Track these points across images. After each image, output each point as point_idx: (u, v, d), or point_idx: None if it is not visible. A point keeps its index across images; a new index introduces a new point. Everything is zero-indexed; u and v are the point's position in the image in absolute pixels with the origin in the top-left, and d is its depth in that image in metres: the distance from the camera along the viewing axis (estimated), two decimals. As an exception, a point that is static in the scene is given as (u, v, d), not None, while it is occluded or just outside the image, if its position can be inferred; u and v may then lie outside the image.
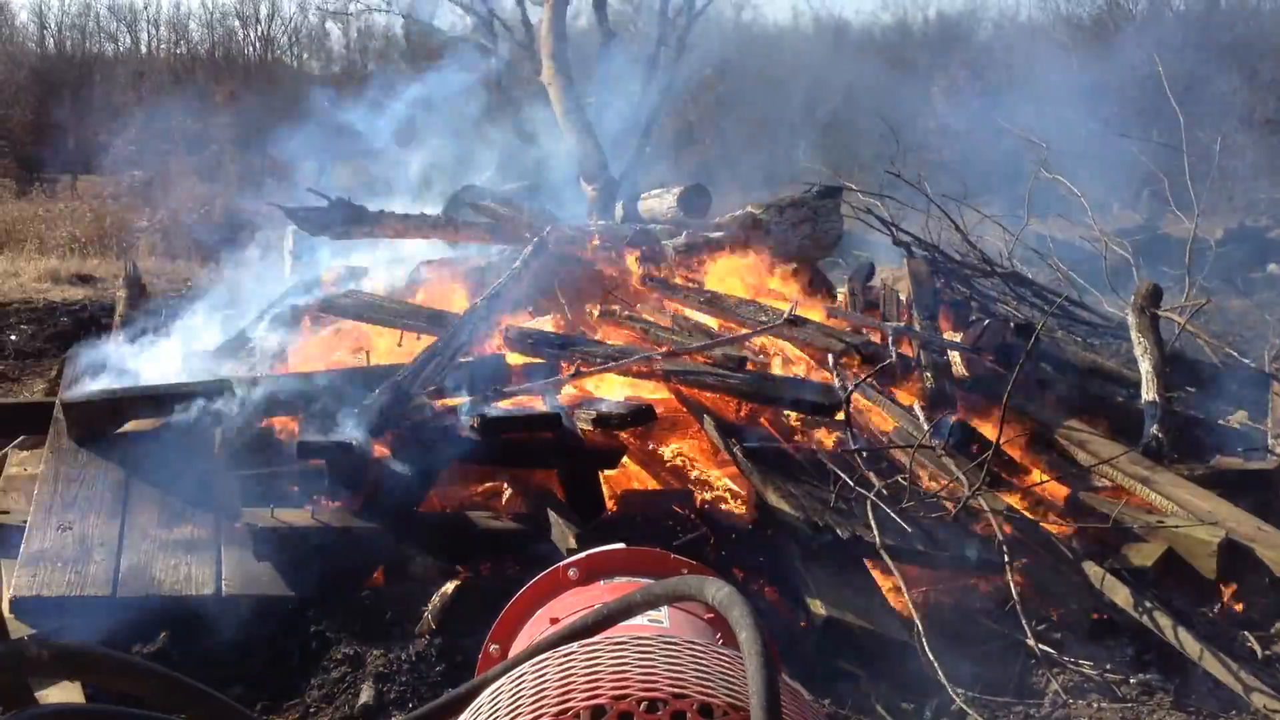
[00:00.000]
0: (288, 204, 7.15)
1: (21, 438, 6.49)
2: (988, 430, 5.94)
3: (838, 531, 5.01)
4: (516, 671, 1.52)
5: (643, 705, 1.31)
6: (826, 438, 6.13)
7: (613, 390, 6.38)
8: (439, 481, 5.52)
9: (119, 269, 10.90)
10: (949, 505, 5.31)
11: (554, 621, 2.02)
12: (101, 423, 5.70)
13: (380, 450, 5.33)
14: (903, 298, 7.46)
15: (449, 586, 4.69)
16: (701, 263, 7.61)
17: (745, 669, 1.32)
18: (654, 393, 6.31)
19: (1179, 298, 9.54)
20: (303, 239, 8.51)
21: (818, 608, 4.73)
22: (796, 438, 6.14)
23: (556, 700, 1.35)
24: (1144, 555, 5.36)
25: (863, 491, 5.22)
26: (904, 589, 4.77)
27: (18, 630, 4.28)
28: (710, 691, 1.34)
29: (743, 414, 6.10)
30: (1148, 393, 7.08)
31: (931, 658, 4.41)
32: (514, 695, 1.43)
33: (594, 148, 9.81)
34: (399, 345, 6.74)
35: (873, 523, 4.97)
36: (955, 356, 6.89)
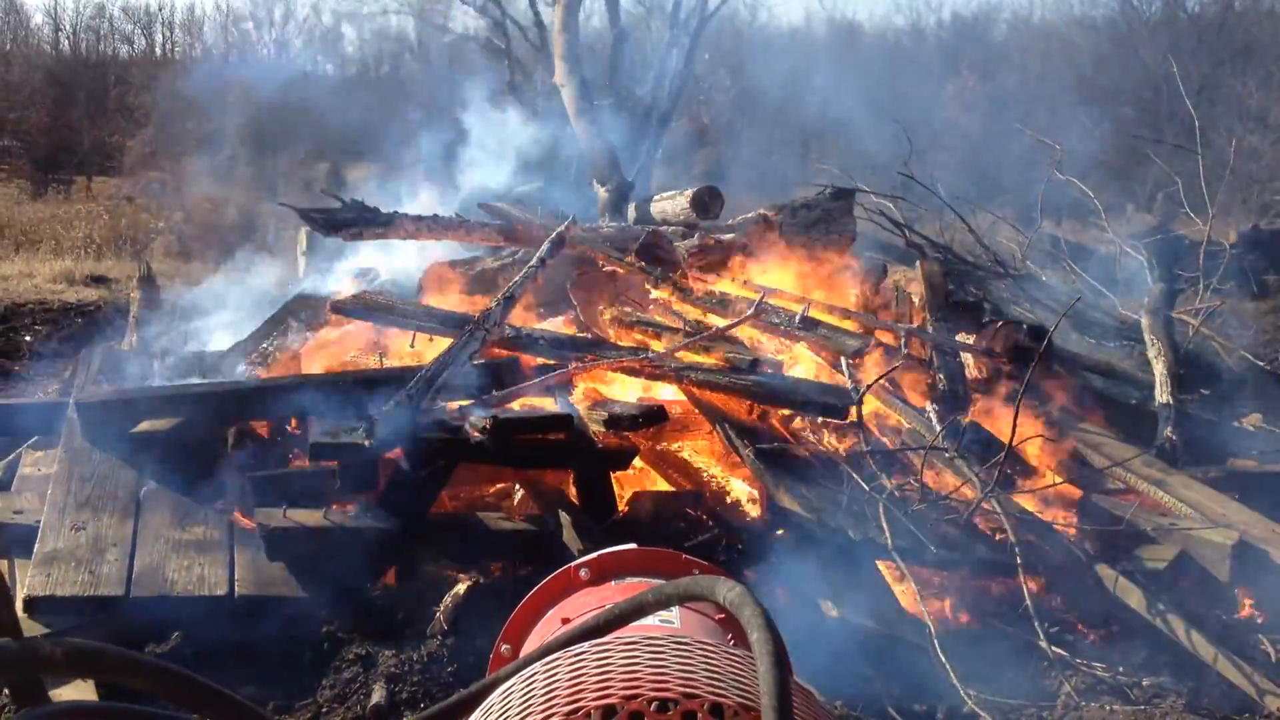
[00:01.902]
0: (301, 204, 7.17)
1: (35, 438, 6.51)
2: (1001, 432, 5.93)
3: (850, 533, 5.00)
4: (527, 671, 1.52)
5: (654, 705, 1.31)
6: (838, 440, 6.13)
7: (626, 392, 6.39)
8: (450, 482, 5.52)
9: (133, 270, 10.93)
10: (961, 507, 5.31)
11: (565, 621, 2.02)
12: (115, 423, 5.72)
13: (392, 452, 5.34)
14: (915, 300, 7.45)
15: (460, 587, 4.70)
16: (715, 264, 7.61)
17: (757, 669, 1.31)
18: (666, 394, 6.32)
19: (1193, 301, 9.50)
20: (316, 239, 8.53)
21: (829, 609, 4.73)
22: (808, 439, 6.13)
23: (567, 700, 1.35)
24: (1157, 558, 5.35)
25: (875, 494, 5.22)
26: (916, 590, 4.76)
27: (32, 629, 4.30)
28: (722, 692, 1.34)
29: (755, 415, 6.10)
30: (1161, 395, 7.06)
31: (943, 659, 4.40)
32: (525, 695, 1.43)
33: (606, 149, 9.81)
34: (411, 346, 6.75)
35: (885, 524, 4.97)
36: (968, 358, 6.87)
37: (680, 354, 6.20)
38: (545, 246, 6.67)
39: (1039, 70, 20.58)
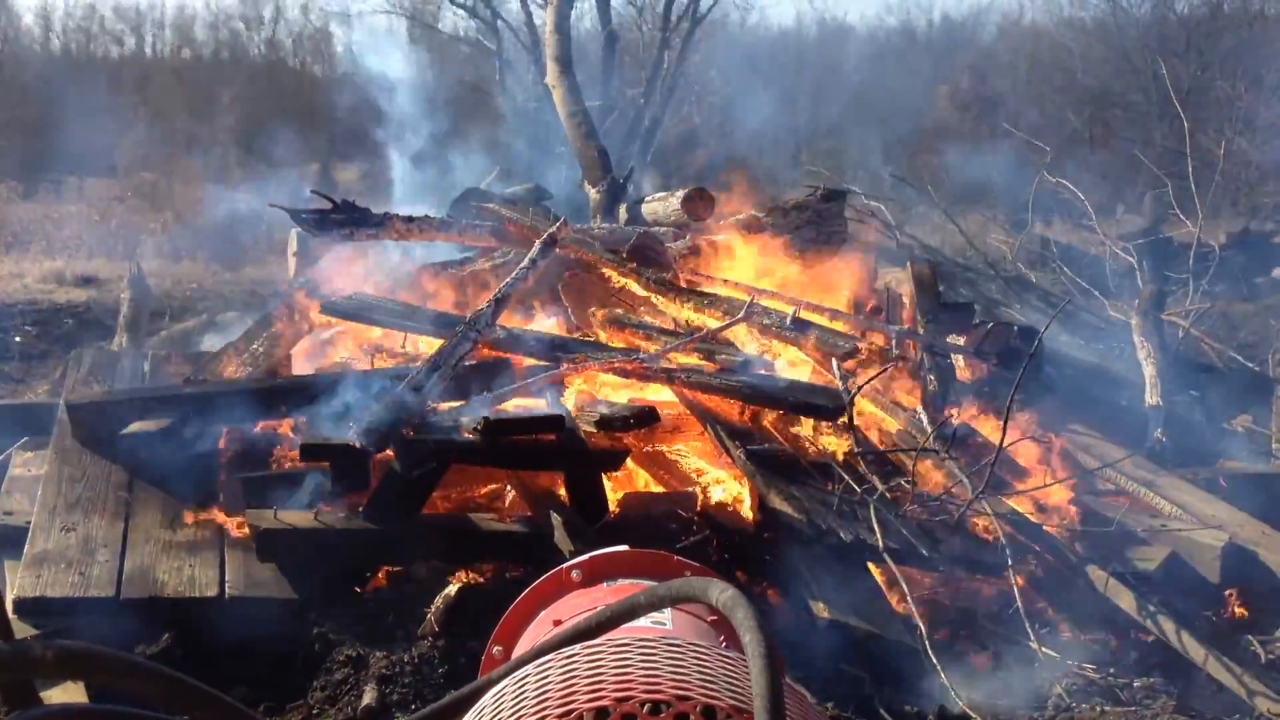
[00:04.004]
0: (292, 205, 7.17)
1: (25, 439, 6.50)
2: (991, 433, 5.94)
3: (840, 534, 5.00)
4: (519, 673, 1.52)
5: (646, 707, 1.31)
6: (830, 440, 6.13)
7: (617, 393, 6.39)
8: (442, 484, 5.52)
9: (124, 270, 10.90)
10: (952, 509, 5.32)
11: (557, 623, 2.02)
12: (105, 424, 5.70)
13: (383, 453, 5.33)
14: (906, 301, 7.46)
15: (452, 589, 4.69)
16: (705, 266, 7.62)
17: (749, 671, 1.31)
18: (658, 395, 6.32)
19: (1183, 302, 9.54)
20: (306, 240, 8.52)
21: (820, 610, 4.73)
22: (799, 441, 6.14)
23: (559, 702, 1.35)
24: (1148, 559, 5.36)
25: (866, 495, 5.22)
26: (907, 592, 4.77)
27: (22, 631, 4.29)
28: (714, 694, 1.34)
29: (746, 417, 6.10)
30: (1151, 397, 7.08)
31: (934, 661, 4.41)
32: (517, 697, 1.43)
33: (598, 150, 9.81)
34: (402, 347, 6.75)
35: (875, 525, 4.97)
36: (959, 360, 6.89)
37: (672, 355, 6.20)
38: (536, 248, 6.67)
39: (1029, 71, 20.60)
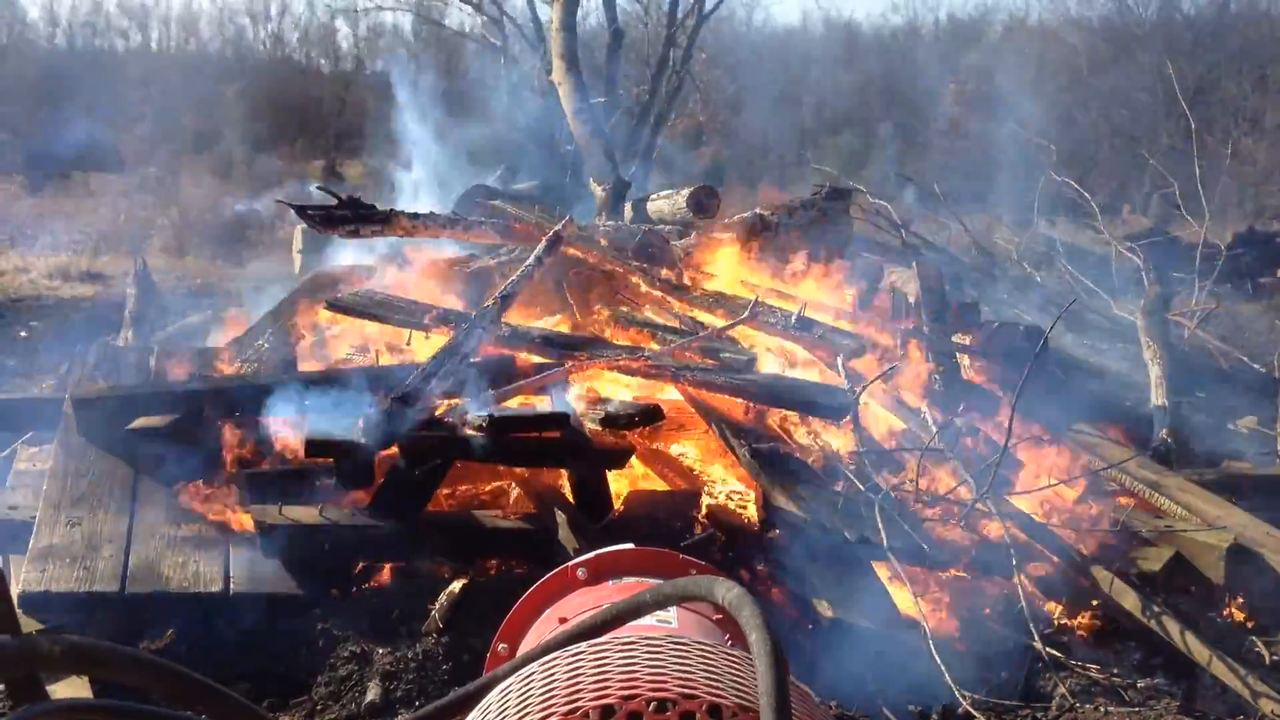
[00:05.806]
0: (297, 201, 7.17)
1: (30, 433, 6.51)
2: (996, 434, 5.93)
3: (845, 533, 5.00)
4: (525, 671, 1.52)
5: (652, 705, 1.31)
6: (835, 439, 6.13)
7: (622, 391, 6.38)
8: (446, 481, 5.52)
9: (130, 266, 10.91)
10: (957, 508, 5.31)
11: (562, 621, 2.02)
12: (111, 419, 5.71)
13: (388, 450, 5.33)
14: (911, 300, 7.44)
15: (456, 586, 4.69)
16: (709, 264, 7.61)
17: (754, 670, 1.31)
18: (663, 393, 6.32)
19: (1188, 302, 9.52)
20: (312, 236, 8.52)
21: (825, 609, 4.73)
22: (804, 440, 6.13)
23: (565, 699, 1.35)
24: (1152, 560, 5.35)
25: (870, 494, 5.22)
26: (911, 591, 4.76)
27: (27, 625, 4.30)
28: (719, 692, 1.34)
29: (751, 415, 6.10)
30: (1156, 397, 7.07)
31: (938, 660, 4.41)
32: (523, 694, 1.43)
33: (603, 147, 9.80)
34: (407, 344, 6.75)
35: (880, 525, 4.97)
36: (964, 359, 6.87)
37: (677, 353, 6.20)
38: (542, 245, 6.67)
39: (1035, 71, 20.58)
